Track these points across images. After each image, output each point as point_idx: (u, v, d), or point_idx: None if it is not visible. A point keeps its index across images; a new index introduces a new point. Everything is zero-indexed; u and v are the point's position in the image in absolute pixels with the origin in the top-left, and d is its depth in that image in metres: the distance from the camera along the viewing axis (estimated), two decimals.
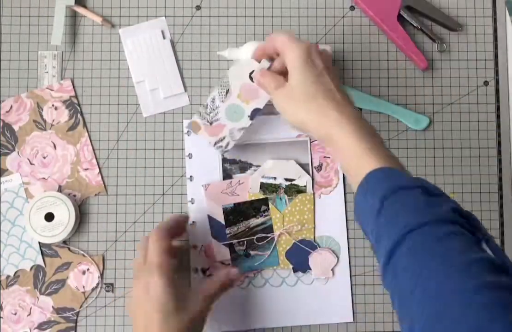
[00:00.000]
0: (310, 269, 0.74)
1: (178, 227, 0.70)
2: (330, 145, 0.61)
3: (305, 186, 0.74)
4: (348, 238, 0.74)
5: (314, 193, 0.74)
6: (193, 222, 0.74)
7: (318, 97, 0.61)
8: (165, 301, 0.61)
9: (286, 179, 0.74)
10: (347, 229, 0.75)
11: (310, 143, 0.75)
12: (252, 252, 0.74)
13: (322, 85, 0.61)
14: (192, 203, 0.74)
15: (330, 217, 0.75)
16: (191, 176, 0.75)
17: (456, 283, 0.41)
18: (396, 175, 0.54)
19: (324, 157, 0.75)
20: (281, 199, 0.74)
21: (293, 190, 0.74)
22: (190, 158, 0.75)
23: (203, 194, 0.74)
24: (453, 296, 0.40)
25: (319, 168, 0.75)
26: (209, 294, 0.66)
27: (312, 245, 0.74)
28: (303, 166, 0.75)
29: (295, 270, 0.74)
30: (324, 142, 0.62)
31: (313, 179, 0.75)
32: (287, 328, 0.74)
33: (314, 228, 0.74)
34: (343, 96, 0.62)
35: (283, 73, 0.65)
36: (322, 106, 0.60)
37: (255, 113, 0.71)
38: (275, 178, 0.74)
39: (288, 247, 0.74)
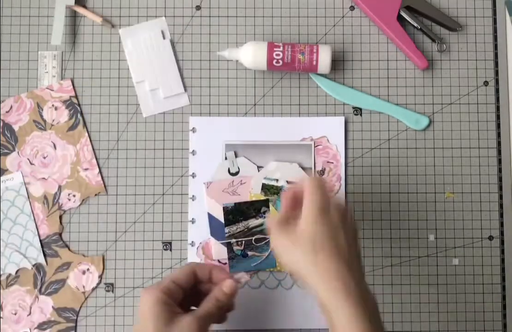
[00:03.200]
0: None
1: (212, 276, 0.66)
2: (325, 314, 0.54)
3: None
4: None
5: None
6: (192, 219, 0.74)
7: (325, 250, 0.54)
8: (151, 318, 0.58)
9: (288, 182, 0.74)
10: None
11: (314, 147, 0.75)
12: (249, 253, 0.74)
13: (333, 241, 0.55)
14: (193, 200, 0.75)
15: None
16: (193, 173, 0.75)
17: None
18: None
19: (328, 162, 0.75)
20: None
21: None
22: (193, 155, 0.75)
23: (204, 191, 0.74)
24: None
25: (322, 172, 0.75)
26: (203, 315, 0.60)
27: None
28: (306, 170, 0.75)
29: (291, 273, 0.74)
30: (318, 304, 0.55)
31: None
32: (278, 331, 0.74)
33: None
34: (353, 259, 0.55)
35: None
36: (327, 263, 0.54)
37: None
38: (277, 180, 0.74)
39: None
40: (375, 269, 0.75)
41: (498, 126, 0.76)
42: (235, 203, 0.74)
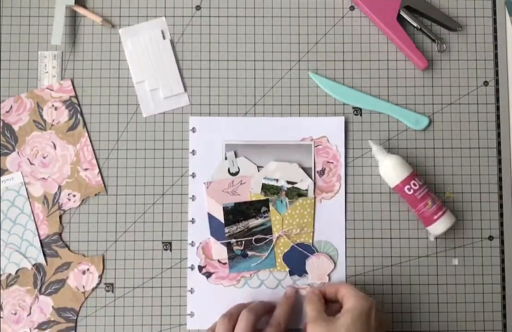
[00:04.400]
0: (306, 273, 0.74)
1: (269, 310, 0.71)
2: None
3: (307, 190, 0.74)
4: (346, 246, 0.75)
5: (315, 198, 0.74)
6: (192, 219, 0.74)
7: None
8: None
9: (288, 182, 0.74)
10: (346, 236, 0.75)
11: (314, 147, 0.75)
12: (249, 253, 0.74)
13: None
14: (193, 200, 0.75)
15: (330, 222, 0.74)
16: (193, 173, 0.75)
17: None
18: None
19: (328, 162, 0.75)
20: (281, 202, 0.74)
21: (295, 193, 0.74)
22: (193, 155, 0.75)
23: (204, 191, 0.74)
24: None
25: (322, 172, 0.75)
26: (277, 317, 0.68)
27: (310, 249, 0.74)
28: (306, 170, 0.75)
29: (291, 273, 0.74)
30: None
31: (315, 184, 0.75)
32: None
33: (313, 232, 0.74)
34: None
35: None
36: None
37: None
38: (277, 180, 0.74)
39: (286, 250, 0.74)
40: (375, 269, 0.75)
41: (498, 126, 0.76)
42: (235, 203, 0.74)
